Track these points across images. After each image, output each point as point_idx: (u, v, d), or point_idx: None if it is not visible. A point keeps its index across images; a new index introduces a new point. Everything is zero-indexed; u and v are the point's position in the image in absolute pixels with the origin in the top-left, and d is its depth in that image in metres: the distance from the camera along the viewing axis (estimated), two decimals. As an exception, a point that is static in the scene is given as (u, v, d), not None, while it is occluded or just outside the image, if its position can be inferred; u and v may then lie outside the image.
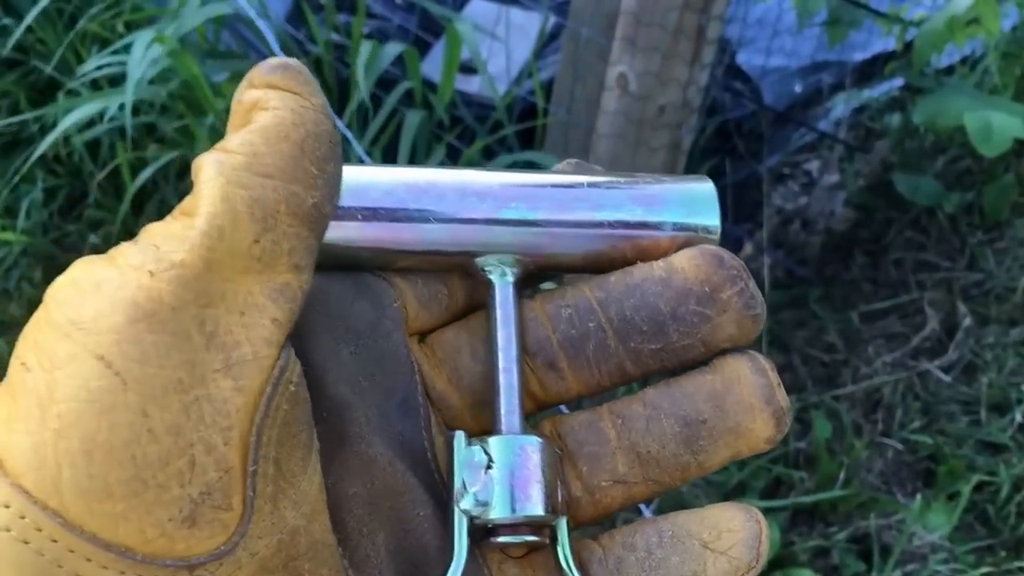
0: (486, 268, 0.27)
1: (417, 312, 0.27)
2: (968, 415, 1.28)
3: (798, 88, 1.54)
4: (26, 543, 0.20)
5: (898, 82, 1.60)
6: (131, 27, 1.28)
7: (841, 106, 1.59)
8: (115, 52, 1.18)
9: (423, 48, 1.25)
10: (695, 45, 1.17)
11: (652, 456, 0.26)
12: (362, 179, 0.26)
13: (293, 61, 0.25)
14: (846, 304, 1.42)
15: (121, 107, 1.11)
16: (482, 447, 0.25)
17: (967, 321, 1.37)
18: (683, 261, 0.27)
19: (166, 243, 0.21)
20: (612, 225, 0.27)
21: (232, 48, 1.32)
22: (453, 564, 0.24)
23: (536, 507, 0.25)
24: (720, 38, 1.23)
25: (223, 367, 0.21)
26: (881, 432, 1.27)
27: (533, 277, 0.28)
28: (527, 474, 0.25)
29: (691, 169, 1.34)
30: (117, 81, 1.21)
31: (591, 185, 0.27)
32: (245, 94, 0.24)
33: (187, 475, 0.20)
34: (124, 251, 0.22)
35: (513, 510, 0.25)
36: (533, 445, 0.25)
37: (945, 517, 1.15)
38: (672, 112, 1.20)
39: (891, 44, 1.53)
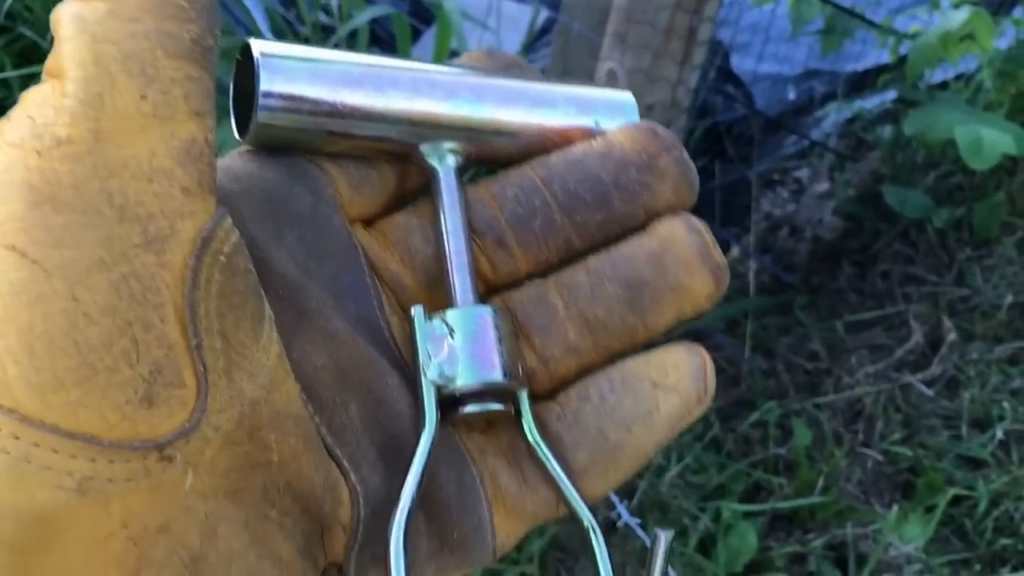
0: (429, 156, 0.27)
1: (351, 197, 0.27)
2: (949, 429, 1.27)
3: (791, 95, 1.54)
4: None
5: (891, 94, 1.60)
6: None
7: (833, 115, 1.58)
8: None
9: (413, 36, 1.24)
10: (686, 45, 1.16)
11: (600, 321, 0.27)
12: (315, 61, 0.26)
13: None
14: (831, 313, 1.42)
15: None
16: (442, 319, 0.26)
17: (952, 336, 1.36)
18: (620, 136, 0.28)
19: (40, 113, 0.20)
20: (548, 120, 0.29)
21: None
22: (425, 432, 0.25)
23: (499, 373, 0.25)
24: (712, 40, 1.23)
25: (142, 241, 0.20)
26: (861, 442, 1.26)
27: (466, 167, 0.29)
28: (488, 342, 0.25)
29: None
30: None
31: (530, 84, 0.29)
32: None
33: (133, 355, 0.20)
34: (1, 129, 0.21)
35: (478, 377, 0.25)
36: (490, 314, 0.26)
37: (921, 529, 1.14)
38: (660, 111, 1.20)
39: (885, 56, 1.54)
